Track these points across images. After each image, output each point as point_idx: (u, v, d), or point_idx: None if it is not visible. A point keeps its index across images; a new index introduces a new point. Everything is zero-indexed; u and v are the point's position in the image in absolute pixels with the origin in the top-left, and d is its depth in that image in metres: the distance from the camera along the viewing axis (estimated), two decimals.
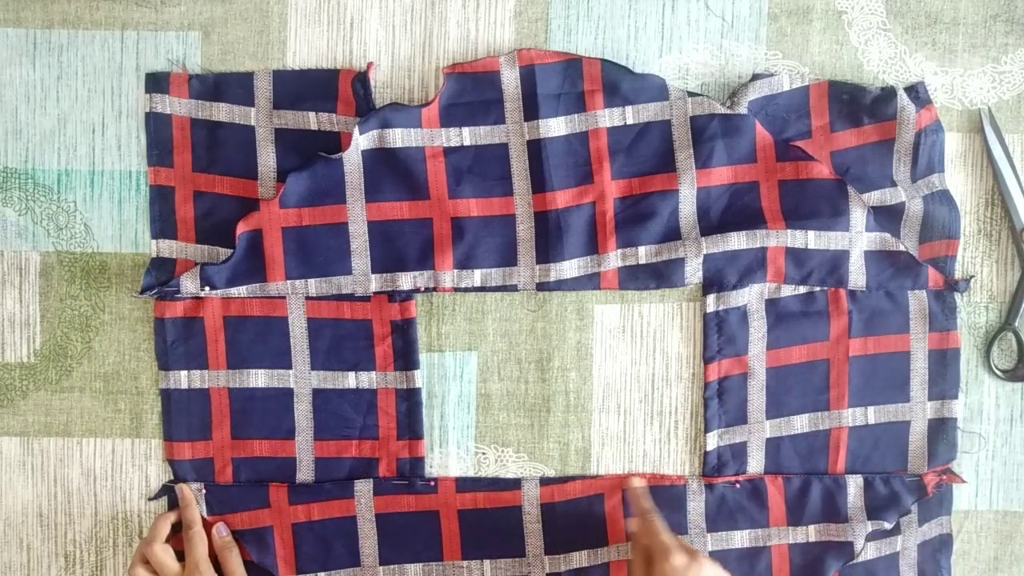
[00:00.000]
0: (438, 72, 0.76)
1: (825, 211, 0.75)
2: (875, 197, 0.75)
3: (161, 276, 0.75)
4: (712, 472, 0.77)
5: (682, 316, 0.77)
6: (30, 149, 0.76)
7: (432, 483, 0.76)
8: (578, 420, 0.77)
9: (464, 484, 0.77)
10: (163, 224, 0.76)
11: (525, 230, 0.75)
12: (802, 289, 0.76)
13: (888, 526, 0.75)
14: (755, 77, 0.75)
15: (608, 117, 0.75)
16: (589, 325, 0.77)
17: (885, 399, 0.77)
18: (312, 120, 0.75)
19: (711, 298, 0.76)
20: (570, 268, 0.75)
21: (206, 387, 0.76)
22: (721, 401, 0.77)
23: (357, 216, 0.75)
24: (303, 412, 0.76)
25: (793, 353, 0.76)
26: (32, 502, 0.77)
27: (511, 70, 0.75)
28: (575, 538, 0.76)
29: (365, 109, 0.75)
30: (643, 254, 0.75)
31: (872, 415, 0.77)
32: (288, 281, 0.75)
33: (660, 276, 0.75)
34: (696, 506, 0.76)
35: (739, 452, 0.76)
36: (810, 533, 0.76)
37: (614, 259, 0.75)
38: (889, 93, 0.75)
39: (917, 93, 0.76)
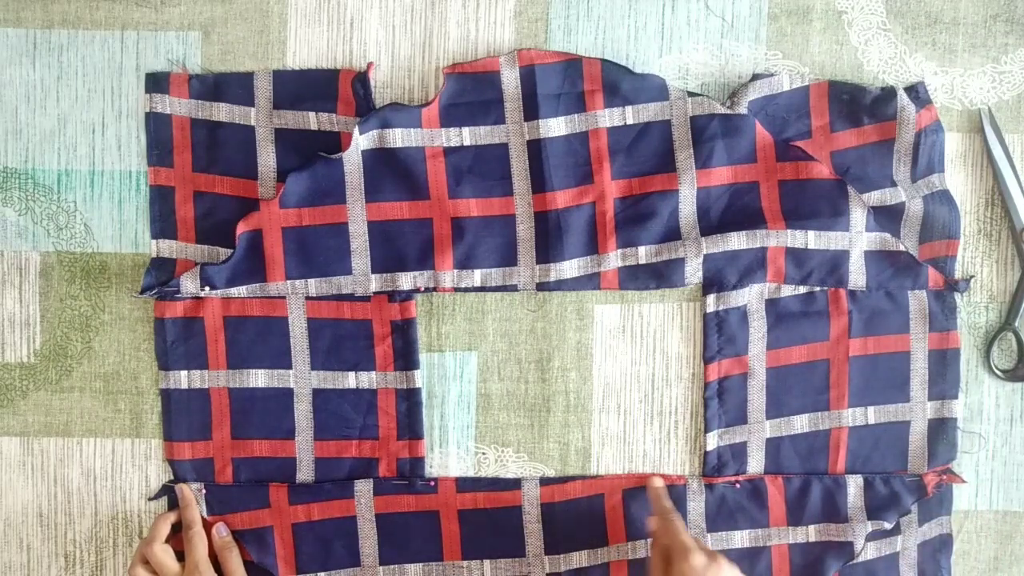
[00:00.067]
0: (438, 72, 0.76)
1: (825, 211, 0.75)
2: (875, 197, 0.75)
3: (161, 276, 0.75)
4: (712, 472, 0.77)
5: (682, 316, 0.77)
6: (30, 149, 0.76)
7: (432, 483, 0.76)
8: (578, 420, 0.77)
9: (464, 484, 0.77)
10: (163, 224, 0.76)
11: (525, 230, 0.75)
12: (802, 289, 0.76)
13: (888, 526, 0.75)
14: (755, 77, 0.75)
15: (608, 117, 0.75)
16: (589, 325, 0.77)
17: (885, 399, 0.77)
18: (312, 120, 0.75)
19: (711, 298, 0.76)
20: (570, 268, 0.75)
21: (206, 387, 0.76)
22: (721, 401, 0.77)
23: (357, 216, 0.75)
24: (303, 412, 0.76)
25: (793, 353, 0.76)
26: (32, 502, 0.77)
27: (511, 70, 0.75)
28: (575, 538, 0.76)
29: (365, 109, 0.75)
30: (643, 254, 0.75)
31: (872, 415, 0.77)
32: (288, 281, 0.75)
33: (660, 276, 0.75)
34: (696, 506, 0.76)
35: (739, 452, 0.76)
36: (810, 533, 0.76)
37: (614, 259, 0.75)
38: (889, 93, 0.75)
39: (917, 93, 0.76)
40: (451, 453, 0.77)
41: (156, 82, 0.75)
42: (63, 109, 0.76)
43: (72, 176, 0.76)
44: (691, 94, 0.75)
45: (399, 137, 0.74)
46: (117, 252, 0.76)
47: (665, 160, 0.75)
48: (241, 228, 0.74)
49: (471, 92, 0.75)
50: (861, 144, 0.76)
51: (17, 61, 0.76)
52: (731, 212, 0.76)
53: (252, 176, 0.75)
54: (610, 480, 0.77)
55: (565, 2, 0.76)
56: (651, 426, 0.77)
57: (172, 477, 0.76)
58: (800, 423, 0.77)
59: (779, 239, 0.75)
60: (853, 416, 0.77)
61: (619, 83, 0.75)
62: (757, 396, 0.76)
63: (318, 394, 0.76)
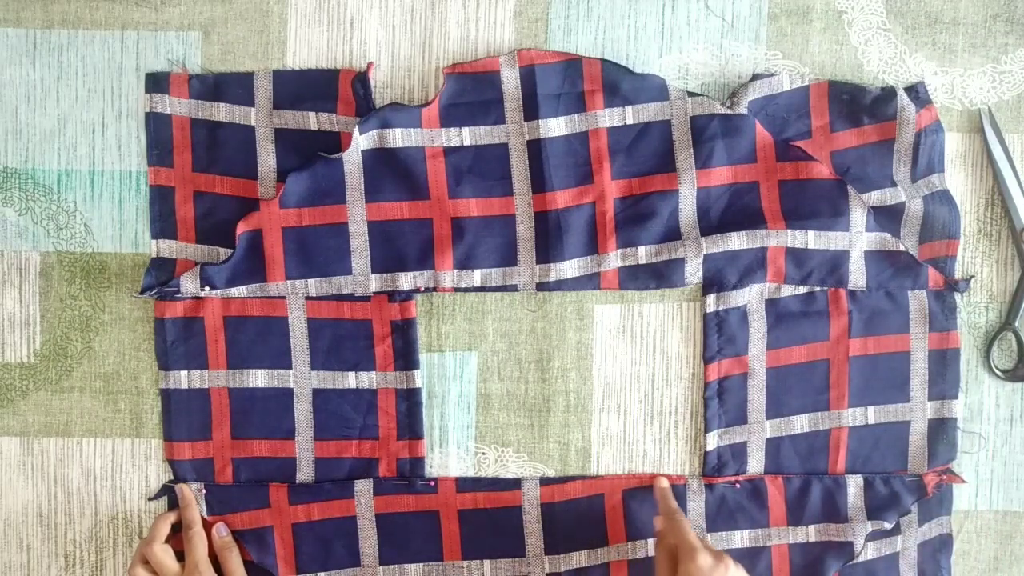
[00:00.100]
0: (438, 72, 0.76)
1: (825, 211, 0.75)
2: (875, 197, 0.75)
3: (161, 276, 0.75)
4: (712, 472, 0.77)
5: (682, 316, 0.77)
6: (30, 149, 0.76)
7: (432, 483, 0.76)
8: (578, 420, 0.77)
9: (464, 484, 0.77)
10: (163, 224, 0.76)
11: (525, 230, 0.75)
12: (802, 289, 0.76)
13: (888, 526, 0.75)
14: (755, 77, 0.75)
15: (608, 117, 0.75)
16: (589, 325, 0.77)
17: (885, 399, 0.77)
18: (312, 120, 0.75)
19: (711, 298, 0.76)
20: (570, 268, 0.75)
21: (206, 387, 0.76)
22: (721, 401, 0.77)
23: (357, 216, 0.75)
24: (303, 412, 0.76)
25: (793, 353, 0.76)
26: (32, 502, 0.77)
27: (511, 70, 0.75)
28: (575, 538, 0.76)
29: (365, 109, 0.75)
30: (643, 254, 0.75)
31: (872, 415, 0.77)
32: (288, 281, 0.75)
33: (660, 276, 0.75)
34: (696, 506, 0.76)
35: (739, 452, 0.76)
36: (810, 533, 0.76)
37: (614, 259, 0.75)
38: (889, 93, 0.75)
39: (917, 93, 0.76)
40: (451, 453, 0.77)
41: (156, 82, 0.75)
42: (63, 109, 0.76)
43: (72, 176, 0.76)
44: (691, 94, 0.75)
45: (399, 137, 0.74)
46: (117, 252, 0.76)
47: (665, 160, 0.75)
48: (241, 228, 0.74)
49: (471, 92, 0.75)
50: (861, 144, 0.76)
51: (17, 61, 0.76)
52: (731, 212, 0.76)
53: (252, 176, 0.75)
54: (610, 480, 0.77)
55: (565, 2, 0.76)
56: (651, 426, 0.77)
57: (172, 477, 0.76)
58: (800, 423, 0.77)
59: (779, 239, 0.75)
60: (853, 416, 0.77)
61: (619, 83, 0.75)
62: (757, 396, 0.76)
63: (318, 394, 0.76)
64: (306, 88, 0.75)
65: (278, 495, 0.76)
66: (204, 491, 0.76)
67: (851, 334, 0.76)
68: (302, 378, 0.76)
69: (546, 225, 0.75)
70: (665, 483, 0.75)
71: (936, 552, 0.78)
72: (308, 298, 0.75)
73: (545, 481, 0.77)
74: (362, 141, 0.74)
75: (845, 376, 0.76)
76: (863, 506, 0.76)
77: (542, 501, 0.77)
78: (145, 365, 0.76)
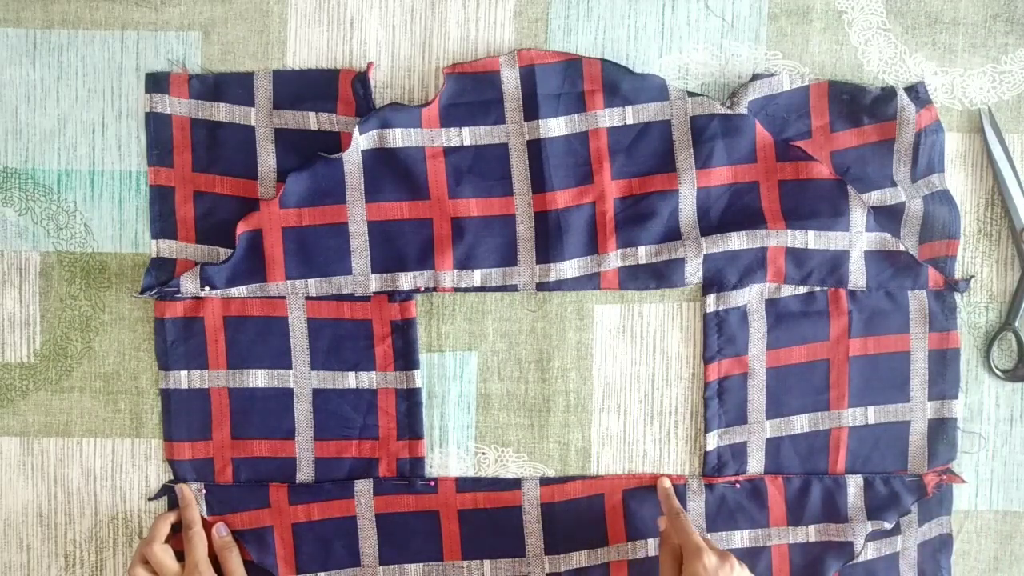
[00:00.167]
0: (438, 72, 0.76)
1: (825, 211, 0.75)
2: (875, 197, 0.75)
3: (161, 276, 0.75)
4: (712, 472, 0.77)
5: (682, 316, 0.77)
6: (30, 149, 0.76)
7: (432, 483, 0.76)
8: (578, 420, 0.77)
9: (464, 484, 0.77)
10: (163, 224, 0.76)
11: (525, 230, 0.75)
12: (802, 289, 0.76)
13: (888, 526, 0.75)
14: (755, 77, 0.75)
15: (608, 117, 0.75)
16: (589, 325, 0.77)
17: (885, 399, 0.77)
18: (312, 120, 0.75)
19: (711, 298, 0.76)
20: (570, 268, 0.75)
21: (206, 387, 0.76)
22: (721, 401, 0.77)
23: (357, 216, 0.75)
24: (303, 412, 0.76)
25: (793, 353, 0.76)
26: (32, 502, 0.77)
27: (511, 70, 0.75)
28: (575, 538, 0.76)
29: (365, 109, 0.75)
30: (643, 254, 0.75)
31: (872, 415, 0.77)
32: (288, 281, 0.75)
33: (660, 276, 0.75)
34: (696, 506, 0.76)
35: (739, 452, 0.76)
36: (810, 533, 0.76)
37: (614, 259, 0.75)
38: (889, 93, 0.75)
39: (917, 93, 0.76)
40: (451, 453, 0.77)
41: (156, 82, 0.75)
42: (63, 109, 0.76)
43: (72, 176, 0.76)
44: (691, 94, 0.75)
45: (399, 137, 0.74)
46: (117, 252, 0.76)
47: (665, 160, 0.75)
48: (241, 228, 0.74)
49: (471, 92, 0.75)
50: (861, 144, 0.76)
51: (17, 61, 0.76)
52: (731, 212, 0.76)
53: (252, 176, 0.75)
54: (610, 480, 0.77)
55: (565, 2, 0.76)
56: (651, 426, 0.77)
57: (172, 477, 0.76)
58: (800, 423, 0.77)
59: (779, 239, 0.75)
60: (853, 416, 0.77)
61: (619, 83, 0.75)
62: (757, 396, 0.76)
63: (318, 394, 0.76)
64: (306, 88, 0.75)
65: (278, 495, 0.75)
66: (204, 491, 0.76)
67: (851, 334, 0.76)
68: (302, 378, 0.76)
69: (546, 225, 0.75)
70: (668, 484, 0.76)
71: (936, 552, 0.78)
72: (308, 298, 0.75)
73: (545, 481, 0.77)
74: (362, 141, 0.74)
75: (845, 376, 0.76)
76: (863, 506, 0.76)
77: (542, 501, 0.77)
78: (145, 365, 0.76)
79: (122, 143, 0.76)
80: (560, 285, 0.75)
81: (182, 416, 0.76)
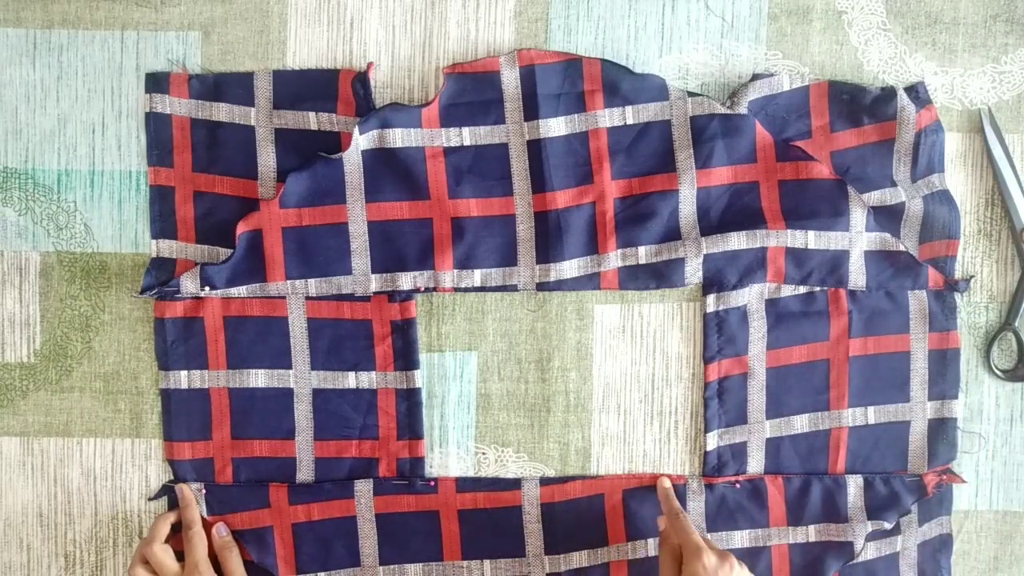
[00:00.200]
0: (438, 72, 0.76)
1: (825, 211, 0.75)
2: (875, 197, 0.75)
3: (161, 276, 0.75)
4: (712, 472, 0.77)
5: (682, 316, 0.77)
6: (30, 149, 0.76)
7: (432, 483, 0.76)
8: (578, 420, 0.77)
9: (464, 484, 0.77)
10: (163, 224, 0.76)
11: (525, 230, 0.75)
12: (802, 289, 0.76)
13: (888, 526, 0.75)
14: (755, 77, 0.75)
15: (608, 117, 0.75)
16: (589, 325, 0.77)
17: (885, 399, 0.77)
18: (312, 120, 0.75)
19: (711, 298, 0.76)
20: (570, 268, 0.75)
21: (206, 387, 0.76)
22: (721, 401, 0.77)
23: (357, 216, 0.75)
24: (303, 412, 0.76)
25: (793, 353, 0.76)
26: (32, 502, 0.77)
27: (511, 70, 0.75)
28: (575, 538, 0.76)
29: (365, 109, 0.75)
30: (643, 254, 0.75)
31: (872, 415, 0.77)
32: (288, 281, 0.75)
33: (660, 276, 0.75)
34: (696, 506, 0.76)
35: (739, 452, 0.76)
36: (810, 533, 0.76)
37: (614, 259, 0.75)
38: (889, 93, 0.75)
39: (917, 93, 0.76)
40: (451, 453, 0.77)
41: (156, 82, 0.75)
42: (63, 109, 0.76)
43: (72, 176, 0.76)
44: (691, 94, 0.75)
45: (399, 137, 0.74)
46: (117, 252, 0.76)
47: (665, 160, 0.75)
48: (241, 228, 0.74)
49: (471, 92, 0.75)
50: (861, 144, 0.76)
51: (17, 61, 0.76)
52: (731, 212, 0.76)
53: (252, 176, 0.75)
54: (610, 480, 0.77)
55: (565, 2, 0.76)
56: (651, 426, 0.77)
57: (172, 477, 0.76)
58: (800, 423, 0.77)
59: (779, 239, 0.75)
60: (853, 416, 0.77)
61: (619, 83, 0.75)
62: (757, 396, 0.76)
63: (318, 394, 0.76)
64: (306, 88, 0.75)
65: (278, 495, 0.75)
66: (204, 491, 0.76)
67: (851, 334, 0.76)
68: (302, 378, 0.76)
69: (546, 225, 0.75)
70: (668, 484, 0.76)
71: (936, 552, 0.78)
72: (308, 298, 0.75)
73: (545, 481, 0.77)
74: (362, 141, 0.74)
75: (845, 376, 0.76)
76: (863, 506, 0.76)
77: (542, 501, 0.77)
78: (145, 365, 0.76)
79: (122, 143, 0.76)
80: (560, 285, 0.75)
81: (182, 416, 0.76)
